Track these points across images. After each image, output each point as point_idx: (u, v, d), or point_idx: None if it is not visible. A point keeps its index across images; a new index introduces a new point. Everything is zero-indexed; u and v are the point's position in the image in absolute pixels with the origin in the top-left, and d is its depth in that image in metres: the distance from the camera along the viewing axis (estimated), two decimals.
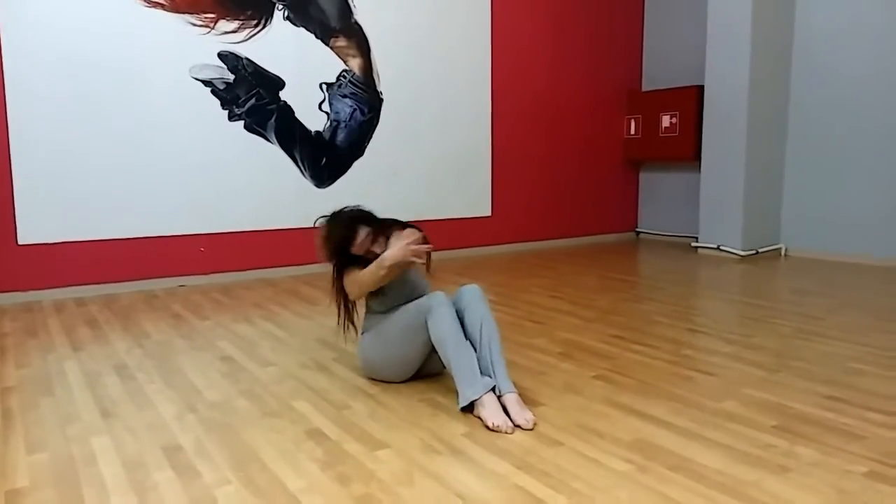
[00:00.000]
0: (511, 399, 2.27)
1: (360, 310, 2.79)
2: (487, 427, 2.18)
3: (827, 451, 2.02)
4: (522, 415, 2.22)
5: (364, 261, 2.60)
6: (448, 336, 2.36)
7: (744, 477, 1.85)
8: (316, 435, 2.17)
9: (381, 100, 5.54)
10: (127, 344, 3.29)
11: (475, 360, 2.34)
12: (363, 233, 2.64)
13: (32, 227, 4.29)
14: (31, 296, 4.30)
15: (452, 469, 1.92)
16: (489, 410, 2.22)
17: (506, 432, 2.15)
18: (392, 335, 2.57)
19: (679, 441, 2.09)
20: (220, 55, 4.81)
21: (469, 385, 2.28)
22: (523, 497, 1.75)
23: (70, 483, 1.86)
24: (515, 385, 2.34)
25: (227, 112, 4.87)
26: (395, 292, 2.62)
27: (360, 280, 2.57)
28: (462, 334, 2.39)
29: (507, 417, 2.20)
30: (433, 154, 5.86)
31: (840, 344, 3.17)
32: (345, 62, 5.33)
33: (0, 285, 4.22)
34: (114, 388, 2.64)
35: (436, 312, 2.40)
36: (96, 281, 4.49)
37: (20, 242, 4.26)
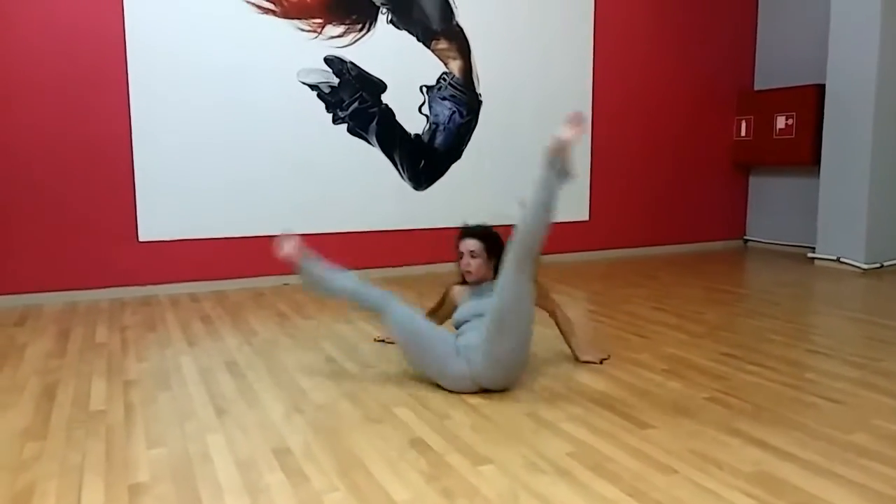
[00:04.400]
0: None
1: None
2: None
3: None
4: None
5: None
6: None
7: None
8: (419, 444, 2.17)
9: (480, 102, 5.51)
10: (237, 341, 3.43)
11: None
12: (468, 246, 2.86)
13: (151, 226, 4.56)
14: (149, 290, 4.57)
15: (559, 491, 1.86)
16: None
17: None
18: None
19: (805, 476, 1.94)
20: (325, 59, 4.93)
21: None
22: None
23: (187, 480, 1.93)
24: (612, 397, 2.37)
25: (331, 115, 4.99)
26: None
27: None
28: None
29: None
30: (531, 156, 5.74)
31: None
32: (445, 64, 5.34)
33: (122, 279, 4.51)
34: (226, 385, 2.74)
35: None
36: (208, 277, 4.72)
37: (140, 240, 4.54)
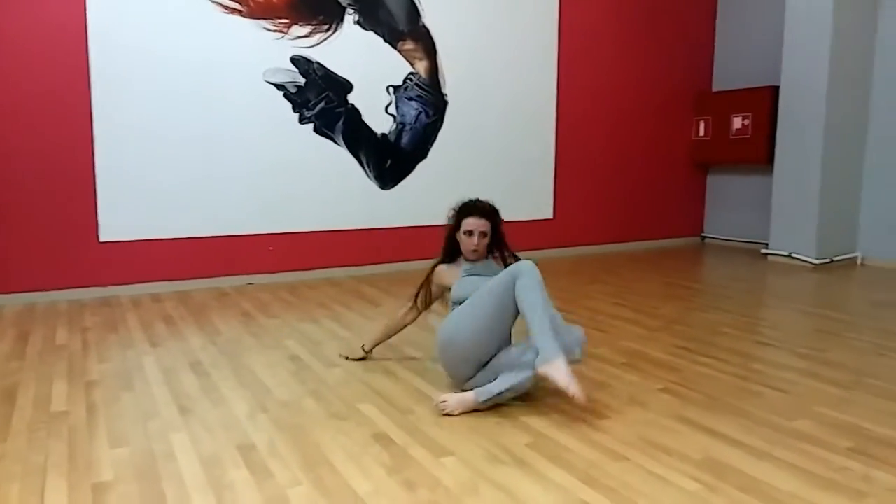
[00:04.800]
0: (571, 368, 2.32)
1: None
2: (560, 387, 2.25)
3: None
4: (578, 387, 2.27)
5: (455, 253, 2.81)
6: (539, 300, 2.36)
7: (818, 501, 1.80)
8: (382, 439, 2.22)
9: (446, 102, 5.57)
10: (201, 340, 3.43)
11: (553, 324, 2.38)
12: (480, 227, 2.73)
13: (113, 226, 4.51)
14: (110, 291, 4.52)
15: (517, 480, 1.93)
16: (563, 372, 2.25)
17: (574, 395, 2.22)
18: (481, 300, 2.50)
19: (750, 461, 2.05)
20: (292, 59, 4.94)
21: (550, 342, 2.29)
22: None
23: (151, 478, 1.95)
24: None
25: (297, 115, 5.00)
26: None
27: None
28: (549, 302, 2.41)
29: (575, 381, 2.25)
30: (496, 156, 5.86)
31: None
32: (411, 65, 5.39)
33: (82, 280, 4.45)
34: (189, 385, 2.75)
35: (526, 276, 2.40)
36: (171, 278, 4.69)
37: (101, 240, 4.49)
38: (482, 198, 2.85)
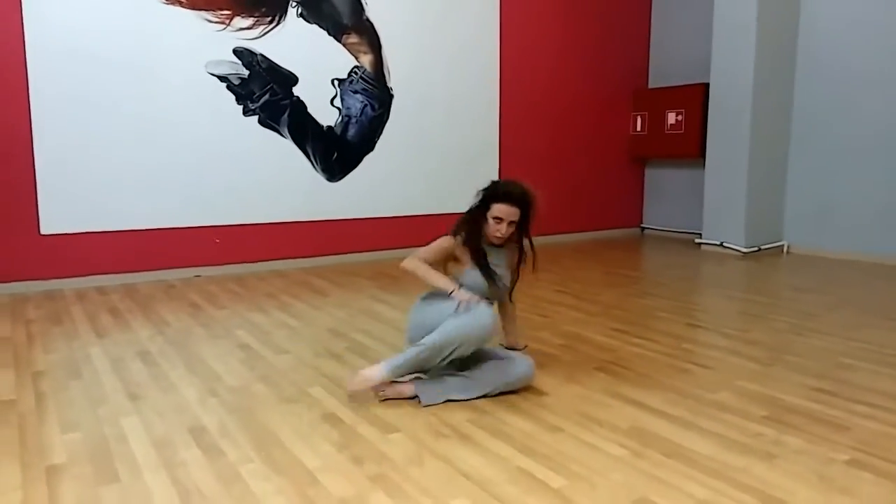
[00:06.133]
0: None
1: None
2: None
3: (812, 440, 2.14)
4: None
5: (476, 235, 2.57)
6: (464, 342, 2.38)
7: (733, 463, 1.98)
8: (331, 419, 2.31)
9: (392, 96, 5.65)
10: (149, 332, 3.44)
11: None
12: (511, 216, 2.53)
13: (54, 218, 4.44)
14: (53, 284, 4.46)
15: (459, 451, 2.05)
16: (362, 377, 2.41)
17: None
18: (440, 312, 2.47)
19: (674, 429, 2.22)
20: (235, 51, 4.93)
21: (391, 363, 2.42)
22: (525, 478, 1.88)
23: (104, 460, 2.00)
24: None
25: (241, 107, 5.00)
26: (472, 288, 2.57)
27: (425, 266, 2.56)
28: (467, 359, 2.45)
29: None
30: (442, 149, 5.97)
31: (833, 339, 3.28)
32: (356, 59, 5.45)
33: (23, 274, 4.37)
34: (139, 374, 2.78)
35: (479, 318, 2.39)
36: (116, 271, 4.64)
37: (43, 232, 4.41)
38: (516, 180, 2.60)
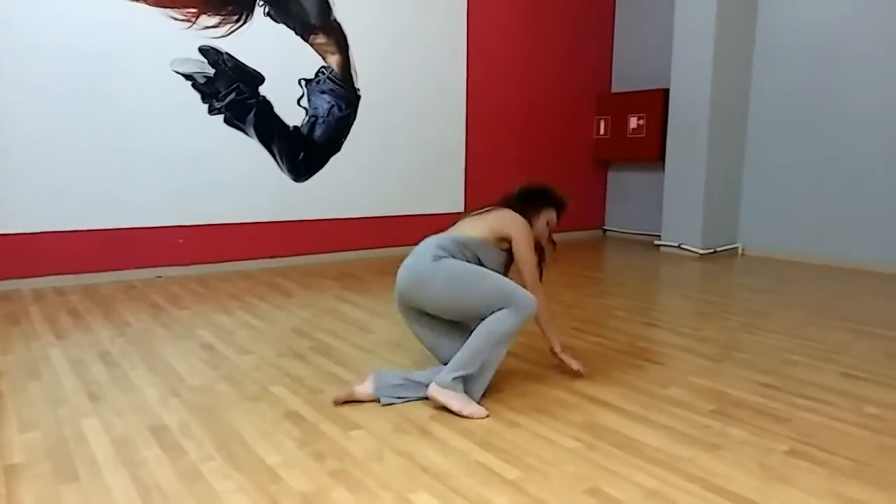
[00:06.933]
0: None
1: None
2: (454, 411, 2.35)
3: (755, 431, 2.25)
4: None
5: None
6: (504, 337, 2.40)
7: (680, 454, 2.07)
8: (293, 416, 2.34)
9: (359, 96, 5.68)
10: (109, 332, 3.42)
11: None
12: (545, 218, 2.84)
13: (10, 217, 4.36)
14: (10, 284, 4.38)
15: (420, 447, 2.11)
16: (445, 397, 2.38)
17: (472, 414, 2.33)
18: (478, 284, 2.45)
19: (626, 423, 2.31)
20: (200, 49, 4.91)
21: (446, 374, 2.38)
22: (481, 470, 1.95)
23: (63, 459, 2.00)
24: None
25: (207, 106, 4.98)
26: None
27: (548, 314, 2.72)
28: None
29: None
30: (408, 150, 6.02)
31: (780, 337, 3.42)
32: (324, 59, 5.46)
33: None
34: (99, 374, 2.77)
35: (518, 313, 2.39)
36: (75, 271, 4.58)
37: None
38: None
